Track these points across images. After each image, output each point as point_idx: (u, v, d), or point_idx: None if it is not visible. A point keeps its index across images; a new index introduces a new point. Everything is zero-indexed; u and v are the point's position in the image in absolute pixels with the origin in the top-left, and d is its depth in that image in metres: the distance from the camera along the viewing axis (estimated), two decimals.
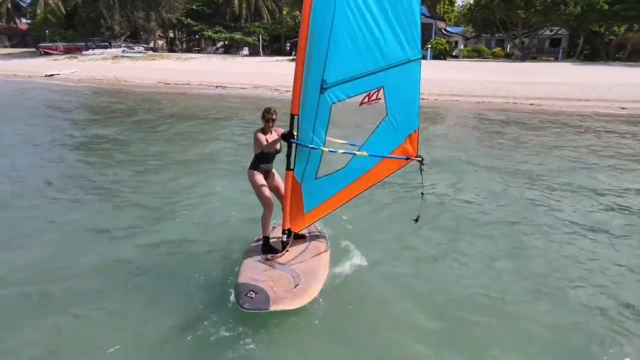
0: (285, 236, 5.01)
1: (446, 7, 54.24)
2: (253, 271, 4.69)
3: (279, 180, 5.18)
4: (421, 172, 4.79)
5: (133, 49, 45.80)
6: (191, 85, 25.95)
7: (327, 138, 4.42)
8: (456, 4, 59.33)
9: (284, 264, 4.87)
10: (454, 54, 48.15)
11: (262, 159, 4.99)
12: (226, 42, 52.31)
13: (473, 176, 8.92)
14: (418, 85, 4.79)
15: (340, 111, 4.32)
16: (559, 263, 5.47)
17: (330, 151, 4.45)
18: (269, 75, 28.22)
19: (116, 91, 24.11)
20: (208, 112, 17.37)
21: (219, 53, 51.06)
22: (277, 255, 4.96)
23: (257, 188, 5.01)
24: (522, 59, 43.27)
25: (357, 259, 5.33)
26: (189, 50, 54.79)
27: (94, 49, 44.65)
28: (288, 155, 4.48)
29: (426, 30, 45.37)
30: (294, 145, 4.38)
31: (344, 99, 4.32)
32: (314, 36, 3.96)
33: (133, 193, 7.59)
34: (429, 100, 20.25)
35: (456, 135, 13.75)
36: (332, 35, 3.99)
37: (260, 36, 49.66)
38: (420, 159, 4.84)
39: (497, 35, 50.23)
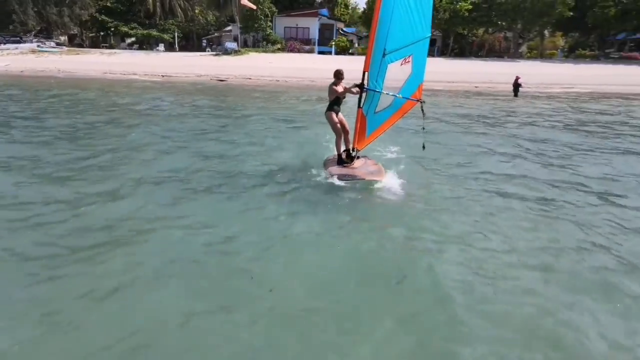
0: (354, 152, 7.35)
1: (342, 10, 61.55)
2: (340, 169, 7.14)
3: (343, 118, 7.42)
4: (422, 110, 6.89)
5: (45, 44, 46.09)
6: (138, 75, 29.26)
7: (383, 86, 6.72)
8: (350, 7, 66.93)
9: (356, 168, 7.21)
10: (350, 51, 55.57)
11: (335, 103, 7.25)
12: (137, 39, 53.98)
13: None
14: (426, 54, 7.09)
15: (390, 69, 6.57)
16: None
17: (386, 94, 6.73)
18: (202, 67, 32.42)
19: (124, 81, 26.67)
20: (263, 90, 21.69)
21: (133, 49, 52.76)
22: (349, 164, 7.30)
23: (332, 123, 7.26)
24: None
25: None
26: (95, 46, 55.22)
27: (4, 43, 44.21)
28: (359, 99, 6.83)
29: (327, 29, 52.12)
30: (363, 92, 6.72)
31: (394, 61, 6.56)
32: (382, 21, 6.12)
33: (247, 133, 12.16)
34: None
35: None
36: (391, 20, 6.15)
37: (176, 33, 52.59)
38: (422, 101, 7.06)
39: None
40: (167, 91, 21.78)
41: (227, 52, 40.63)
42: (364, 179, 6.82)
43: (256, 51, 43.20)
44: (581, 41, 57.77)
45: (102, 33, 55.45)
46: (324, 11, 50.92)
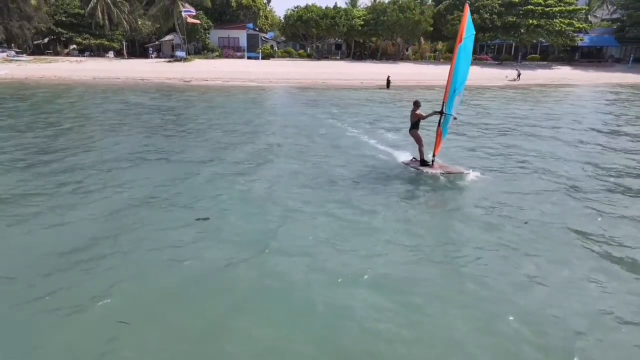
0: (434, 158, 10.25)
1: (263, 21, 73.88)
2: (428, 168, 10.15)
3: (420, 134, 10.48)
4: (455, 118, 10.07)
5: (12, 53, 53.58)
6: (121, 78, 39.55)
7: (452, 111, 9.68)
8: (270, 17, 79.34)
9: (443, 167, 10.34)
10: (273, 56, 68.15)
11: (417, 124, 10.37)
12: (90, 47, 62.17)
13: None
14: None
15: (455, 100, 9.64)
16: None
17: (453, 117, 9.83)
18: (165, 72, 43.27)
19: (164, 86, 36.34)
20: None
21: (85, 55, 61.11)
22: (431, 165, 10.27)
23: (418, 137, 10.36)
24: (318, 58, 65.61)
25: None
26: (41, 53, 62.20)
27: None
28: (439, 121, 9.85)
29: (253, 39, 64.16)
30: (442, 115, 9.72)
31: (457, 95, 9.59)
32: (456, 71, 9.23)
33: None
34: (266, 84, 39.44)
35: (290, 93, 33.08)
36: (457, 69, 9.25)
37: (124, 42, 61.83)
38: (455, 117, 10.04)
39: (301, 41, 72.15)
40: (197, 90, 33.04)
41: (177, 59, 51.33)
42: (459, 172, 10.07)
43: (199, 58, 54.29)
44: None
45: (49, 43, 62.83)
46: (250, 25, 62.97)
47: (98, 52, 61.85)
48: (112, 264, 6.03)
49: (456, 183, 9.80)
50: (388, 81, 38.74)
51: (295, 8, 64.05)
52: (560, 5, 58.12)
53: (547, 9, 57.54)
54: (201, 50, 57.50)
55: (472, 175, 10.01)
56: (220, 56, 56.79)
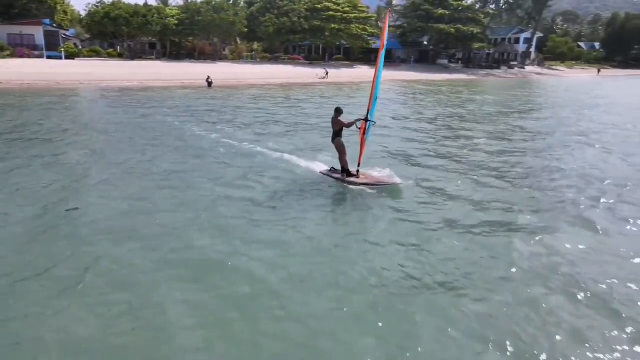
0: (358, 167, 9.73)
1: (62, 16, 66.76)
2: (354, 179, 9.43)
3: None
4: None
5: None
6: None
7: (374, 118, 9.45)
8: (70, 12, 71.89)
9: (373, 177, 9.73)
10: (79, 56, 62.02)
11: (340, 132, 9.71)
12: None
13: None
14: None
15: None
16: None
17: (374, 122, 9.59)
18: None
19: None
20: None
21: None
22: (356, 176, 9.67)
23: (342, 146, 9.72)
24: (131, 57, 62.29)
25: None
26: None
27: None
28: (366, 129, 9.48)
29: (52, 36, 57.55)
30: (366, 122, 9.42)
31: (377, 100, 9.46)
32: (378, 77, 9.18)
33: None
34: (78, 86, 36.95)
35: (111, 95, 31.76)
36: (378, 75, 9.16)
37: None
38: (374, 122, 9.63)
39: (110, 40, 67.39)
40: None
41: None
42: (392, 183, 9.36)
43: None
44: (269, 47, 78.39)
45: None
46: (47, 20, 56.44)
47: None
48: None
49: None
50: (208, 81, 39.69)
51: (99, 3, 59.58)
52: (355, 12, 66.66)
53: (345, 15, 65.41)
54: None
55: (407, 183, 9.52)
56: (12, 55, 49.78)
